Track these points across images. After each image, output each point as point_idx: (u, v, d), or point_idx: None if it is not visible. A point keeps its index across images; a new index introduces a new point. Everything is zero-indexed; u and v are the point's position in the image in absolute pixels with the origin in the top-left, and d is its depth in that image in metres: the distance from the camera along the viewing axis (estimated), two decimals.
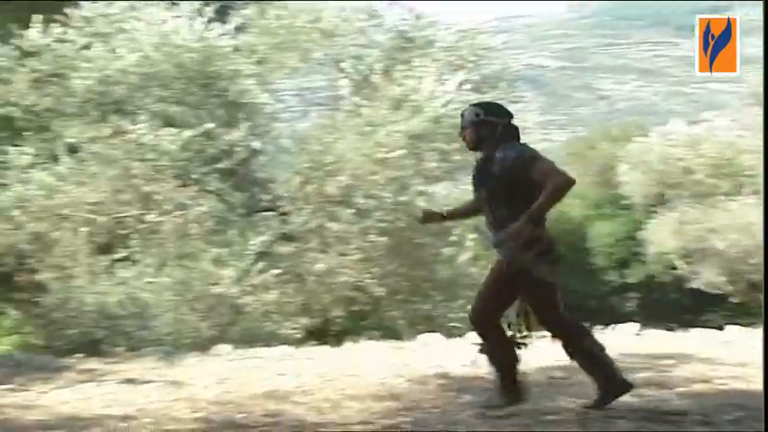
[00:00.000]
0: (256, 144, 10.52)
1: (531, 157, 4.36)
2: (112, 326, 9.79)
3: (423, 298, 10.47)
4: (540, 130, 10.73)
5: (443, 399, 5.03)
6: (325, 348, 8.30)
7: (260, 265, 9.65)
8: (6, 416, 4.95)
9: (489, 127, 4.55)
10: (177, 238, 9.86)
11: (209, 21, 9.91)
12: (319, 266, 9.83)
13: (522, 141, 4.59)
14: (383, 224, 9.98)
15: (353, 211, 9.99)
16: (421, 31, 10.93)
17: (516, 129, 4.63)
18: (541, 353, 5.12)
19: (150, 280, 9.79)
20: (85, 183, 9.83)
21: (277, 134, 11.32)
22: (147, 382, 6.01)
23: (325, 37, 10.46)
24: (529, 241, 4.27)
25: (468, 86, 9.94)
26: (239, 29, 10.41)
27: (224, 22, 10.11)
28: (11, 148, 9.92)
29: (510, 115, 4.66)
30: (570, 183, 4.30)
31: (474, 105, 4.74)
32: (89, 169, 9.83)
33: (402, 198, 10.12)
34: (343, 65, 10.66)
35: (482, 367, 5.65)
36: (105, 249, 10.20)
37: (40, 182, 9.70)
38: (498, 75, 11.01)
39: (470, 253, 10.45)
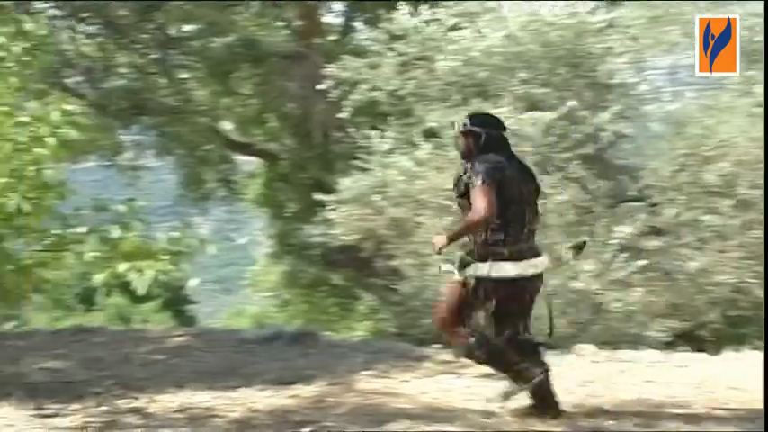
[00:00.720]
0: (625, 128, 10.22)
1: (479, 177, 4.70)
2: None
3: None
4: None
5: None
6: (700, 356, 7.91)
7: (623, 260, 9.40)
8: (371, 401, 5.32)
9: (475, 137, 4.99)
10: None
11: None
12: (693, 264, 9.35)
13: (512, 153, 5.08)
14: None
15: (734, 202, 9.38)
16: None
17: (505, 140, 5.08)
18: None
19: None
20: (444, 169, 10.19)
21: (647, 117, 10.93)
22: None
23: (715, 5, 9.84)
24: (483, 255, 4.83)
25: None
26: (612, 2, 10.20)
27: None
28: (373, 133, 10.59)
29: (499, 126, 5.05)
30: (483, 221, 4.70)
31: (468, 115, 5.40)
32: (448, 155, 10.19)
33: None
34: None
35: None
36: None
37: (401, 167, 10.23)
38: None
39: None
